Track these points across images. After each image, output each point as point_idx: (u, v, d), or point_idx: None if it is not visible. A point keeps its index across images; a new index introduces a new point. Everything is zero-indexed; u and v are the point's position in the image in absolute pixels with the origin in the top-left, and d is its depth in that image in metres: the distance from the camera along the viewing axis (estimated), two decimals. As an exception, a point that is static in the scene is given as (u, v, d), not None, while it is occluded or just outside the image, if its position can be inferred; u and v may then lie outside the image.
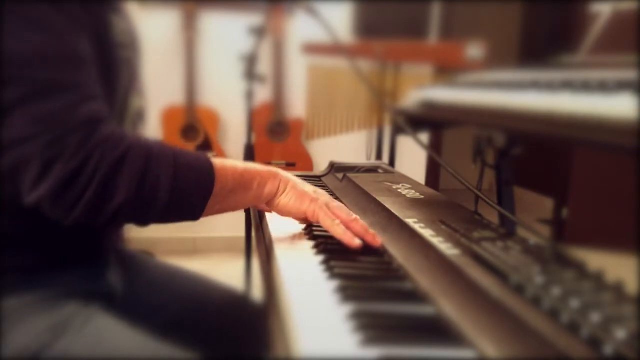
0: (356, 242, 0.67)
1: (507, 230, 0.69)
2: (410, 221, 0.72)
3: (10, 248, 0.67)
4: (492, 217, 0.77)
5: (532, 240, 0.61)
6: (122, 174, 0.60)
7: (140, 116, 0.80)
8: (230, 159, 0.70)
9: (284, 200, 0.71)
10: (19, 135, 0.58)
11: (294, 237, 0.73)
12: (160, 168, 0.62)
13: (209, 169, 0.66)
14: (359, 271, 0.61)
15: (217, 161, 0.68)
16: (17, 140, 0.58)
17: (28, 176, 0.58)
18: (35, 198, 0.59)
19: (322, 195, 0.73)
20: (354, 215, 0.71)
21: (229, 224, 2.52)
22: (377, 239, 0.69)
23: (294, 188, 0.72)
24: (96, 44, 0.66)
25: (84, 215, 0.60)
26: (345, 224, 0.69)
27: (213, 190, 0.65)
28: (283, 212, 0.73)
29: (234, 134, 2.46)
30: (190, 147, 2.43)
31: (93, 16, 0.66)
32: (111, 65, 0.69)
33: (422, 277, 0.57)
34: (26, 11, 0.59)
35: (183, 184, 0.64)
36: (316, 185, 1.06)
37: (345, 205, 0.90)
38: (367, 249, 0.68)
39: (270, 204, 0.73)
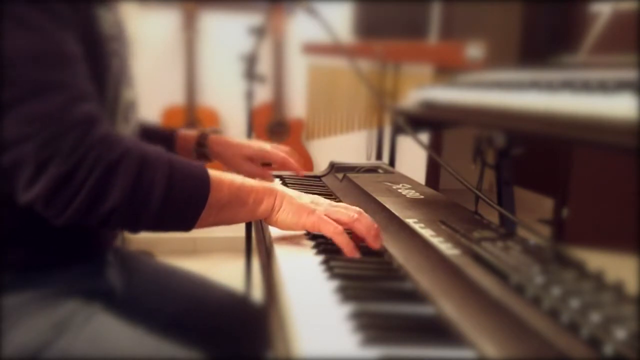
0: (356, 255, 0.66)
1: (507, 230, 0.69)
2: (410, 221, 0.72)
3: (10, 244, 0.67)
4: (492, 217, 0.77)
5: (532, 240, 0.61)
6: (116, 177, 0.60)
7: (131, 108, 0.80)
8: (228, 173, 0.70)
9: (281, 216, 0.70)
10: (13, 136, 0.58)
11: (294, 237, 0.73)
12: (155, 174, 0.62)
13: (205, 179, 0.65)
14: (359, 271, 0.61)
15: (213, 173, 0.67)
16: (12, 141, 0.58)
17: (22, 177, 0.58)
18: (29, 198, 0.59)
19: (321, 204, 0.72)
20: (356, 215, 0.69)
21: (229, 224, 2.52)
22: (378, 240, 0.68)
23: (291, 203, 0.71)
24: (84, 39, 0.65)
25: (75, 217, 0.60)
26: (349, 226, 0.68)
27: (207, 202, 0.65)
28: (282, 227, 0.72)
29: (234, 134, 2.45)
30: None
31: (80, 11, 0.66)
32: (101, 58, 0.69)
33: (422, 277, 0.57)
34: (11, 11, 0.58)
35: (177, 192, 0.63)
36: (316, 186, 1.06)
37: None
38: (368, 249, 0.68)
39: (268, 221, 0.72)
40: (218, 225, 0.69)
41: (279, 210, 0.71)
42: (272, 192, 0.71)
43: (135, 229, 0.65)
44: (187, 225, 0.66)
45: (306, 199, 0.72)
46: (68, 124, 0.59)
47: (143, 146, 0.64)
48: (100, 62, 0.69)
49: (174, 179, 0.63)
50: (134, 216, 0.62)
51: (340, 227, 0.67)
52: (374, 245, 0.68)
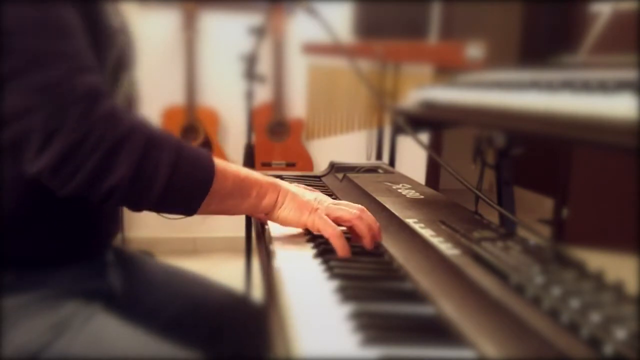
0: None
1: (507, 230, 0.69)
2: (410, 221, 0.72)
3: (10, 244, 0.67)
4: (492, 217, 0.77)
5: (532, 240, 0.61)
6: (122, 153, 0.60)
7: (130, 104, 0.80)
8: (233, 164, 0.70)
9: (283, 213, 0.71)
10: (18, 106, 0.58)
11: (294, 237, 0.73)
12: (162, 154, 0.62)
13: (210, 166, 0.66)
14: (359, 271, 0.61)
15: (219, 162, 0.67)
16: (18, 112, 0.58)
17: (30, 147, 0.59)
18: (37, 169, 0.59)
19: (322, 202, 0.72)
20: (357, 212, 0.69)
21: (229, 224, 2.52)
22: (374, 241, 0.68)
23: (293, 200, 0.71)
24: (84, 15, 0.65)
25: (80, 189, 0.60)
26: (350, 222, 0.69)
27: (211, 188, 0.65)
28: (283, 224, 0.72)
29: (234, 134, 2.46)
30: (190, 147, 2.43)
31: None
32: (99, 36, 0.68)
33: (422, 277, 0.57)
34: None
35: (181, 176, 0.63)
36: (316, 186, 1.06)
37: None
38: (367, 249, 0.68)
39: (270, 216, 0.72)
40: (219, 214, 0.69)
41: (281, 206, 0.71)
42: (276, 188, 0.71)
43: (137, 207, 0.65)
44: (188, 211, 0.66)
45: (310, 196, 0.72)
46: (75, 95, 0.59)
47: (150, 126, 0.64)
48: (98, 40, 0.68)
49: (179, 163, 0.63)
50: (137, 193, 0.62)
51: (338, 230, 0.67)
52: (369, 246, 0.68)
